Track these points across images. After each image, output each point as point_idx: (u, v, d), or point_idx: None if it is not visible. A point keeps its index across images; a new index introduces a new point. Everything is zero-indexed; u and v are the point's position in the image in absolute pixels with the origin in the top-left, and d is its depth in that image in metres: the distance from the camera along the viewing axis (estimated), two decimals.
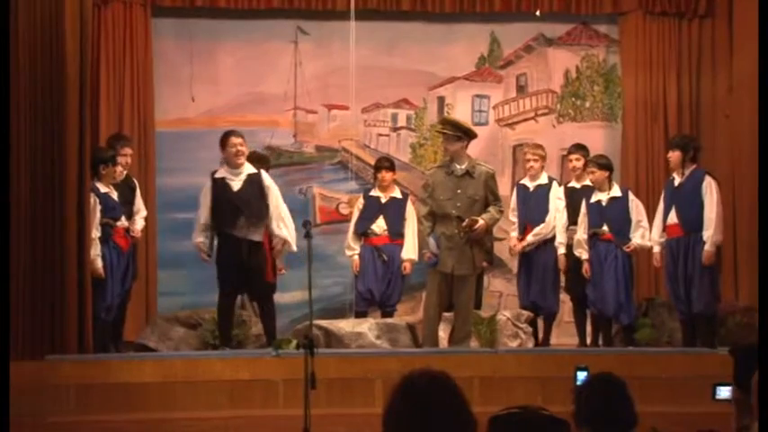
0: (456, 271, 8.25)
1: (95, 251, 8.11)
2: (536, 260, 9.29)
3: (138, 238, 8.90)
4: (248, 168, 8.39)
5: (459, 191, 8.30)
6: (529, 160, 9.45)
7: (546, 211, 9.27)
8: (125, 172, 8.76)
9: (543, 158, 9.50)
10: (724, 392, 4.63)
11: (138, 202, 8.86)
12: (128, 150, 8.81)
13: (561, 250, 9.13)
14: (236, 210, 8.23)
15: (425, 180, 8.68)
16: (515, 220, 9.49)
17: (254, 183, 8.34)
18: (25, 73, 7.82)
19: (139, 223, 8.82)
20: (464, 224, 8.19)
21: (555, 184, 9.47)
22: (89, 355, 7.96)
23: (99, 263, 8.12)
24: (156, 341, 8.64)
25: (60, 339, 7.84)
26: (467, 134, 8.41)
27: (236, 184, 8.31)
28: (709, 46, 10.66)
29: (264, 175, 8.47)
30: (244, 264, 8.22)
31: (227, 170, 8.36)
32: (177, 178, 9.17)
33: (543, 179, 9.45)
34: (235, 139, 8.36)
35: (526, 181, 9.53)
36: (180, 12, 10.39)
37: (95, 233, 8.12)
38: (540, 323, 9.37)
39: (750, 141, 9.39)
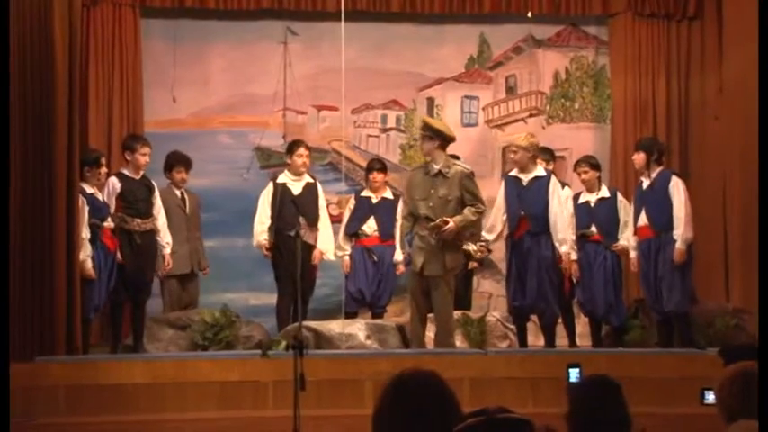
0: (426, 271, 8.17)
1: (86, 252, 8.07)
2: (531, 258, 8.57)
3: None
4: (307, 177, 9.18)
5: (432, 191, 8.24)
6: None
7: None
8: (142, 171, 8.66)
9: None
10: (712, 396, 4.64)
11: (158, 203, 8.72)
12: (146, 150, 8.70)
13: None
14: (297, 213, 8.96)
15: (407, 180, 8.65)
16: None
17: (312, 190, 9.13)
18: (14, 74, 7.78)
19: (161, 223, 8.70)
20: (431, 225, 8.13)
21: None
22: (78, 357, 7.95)
23: (89, 264, 8.09)
24: (145, 342, 8.61)
25: (50, 341, 7.81)
26: (437, 134, 8.29)
27: (297, 188, 9.08)
28: (699, 47, 10.68)
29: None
30: (302, 265, 8.30)
31: (288, 176, 9.12)
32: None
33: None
34: (304, 150, 9.12)
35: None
36: (169, 12, 10.37)
37: (85, 234, 8.10)
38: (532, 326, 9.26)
39: (739, 143, 9.41)
